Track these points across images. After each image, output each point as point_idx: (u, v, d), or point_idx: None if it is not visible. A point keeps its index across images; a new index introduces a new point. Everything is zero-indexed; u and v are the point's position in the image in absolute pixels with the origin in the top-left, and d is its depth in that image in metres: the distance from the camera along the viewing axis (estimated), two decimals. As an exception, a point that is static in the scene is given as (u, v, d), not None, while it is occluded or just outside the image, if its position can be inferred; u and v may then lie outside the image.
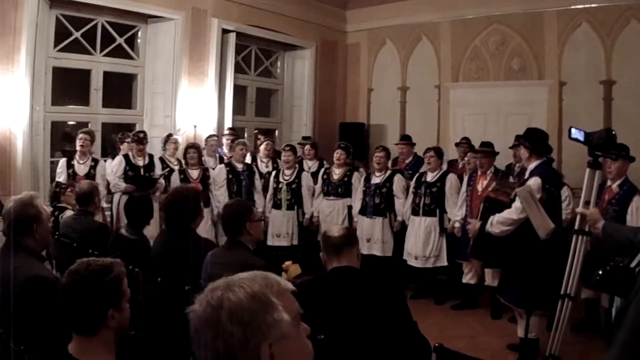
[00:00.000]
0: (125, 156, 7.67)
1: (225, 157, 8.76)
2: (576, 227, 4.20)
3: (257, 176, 8.31)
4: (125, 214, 5.06)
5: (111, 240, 4.88)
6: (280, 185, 8.22)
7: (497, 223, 5.06)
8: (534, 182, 4.97)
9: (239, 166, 8.11)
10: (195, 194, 4.65)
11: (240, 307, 1.39)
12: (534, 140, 5.23)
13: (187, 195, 4.50)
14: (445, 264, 7.44)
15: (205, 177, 7.92)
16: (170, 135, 8.37)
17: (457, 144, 8.97)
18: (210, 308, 1.40)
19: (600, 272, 3.06)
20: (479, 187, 7.07)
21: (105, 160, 7.82)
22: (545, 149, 5.35)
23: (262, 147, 8.96)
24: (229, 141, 8.81)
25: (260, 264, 3.62)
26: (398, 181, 7.78)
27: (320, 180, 8.39)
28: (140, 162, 7.69)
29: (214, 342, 1.38)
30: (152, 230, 5.09)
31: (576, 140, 4.04)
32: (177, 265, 4.08)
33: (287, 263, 3.99)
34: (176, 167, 8.03)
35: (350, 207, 8.16)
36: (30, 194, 3.50)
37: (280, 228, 8.19)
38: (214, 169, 8.20)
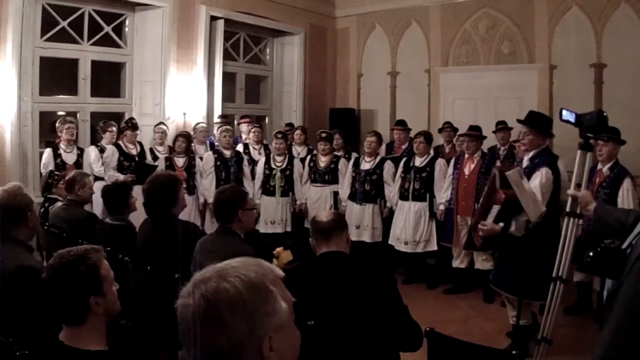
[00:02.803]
0: (117, 145, 7.62)
1: (216, 145, 8.69)
2: (567, 209, 4.18)
3: (245, 163, 8.26)
4: (104, 202, 5.04)
5: (97, 229, 4.86)
6: (273, 172, 8.16)
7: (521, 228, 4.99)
8: (546, 174, 4.90)
9: (227, 153, 8.07)
10: (175, 181, 4.62)
11: (240, 299, 1.33)
12: (540, 124, 5.17)
13: (166, 182, 4.47)
14: (435, 248, 7.45)
15: (190, 166, 7.87)
16: (159, 123, 8.30)
17: (440, 130, 8.96)
18: (206, 301, 1.32)
19: (592, 254, 3.05)
20: (466, 171, 7.08)
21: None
22: (549, 134, 5.31)
23: (251, 135, 8.89)
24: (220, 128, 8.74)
25: (250, 252, 3.60)
26: (388, 168, 7.77)
27: (307, 167, 8.34)
28: (133, 150, 7.69)
29: (215, 338, 1.31)
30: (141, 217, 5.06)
31: (567, 122, 4.02)
32: (164, 252, 4.06)
33: (278, 249, 3.96)
34: (164, 156, 7.98)
35: (336, 193, 8.14)
36: (17, 184, 3.48)
37: (274, 215, 8.12)
38: (201, 158, 8.14)
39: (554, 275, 4.21)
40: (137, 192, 4.91)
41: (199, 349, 1.32)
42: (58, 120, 7.55)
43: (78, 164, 7.27)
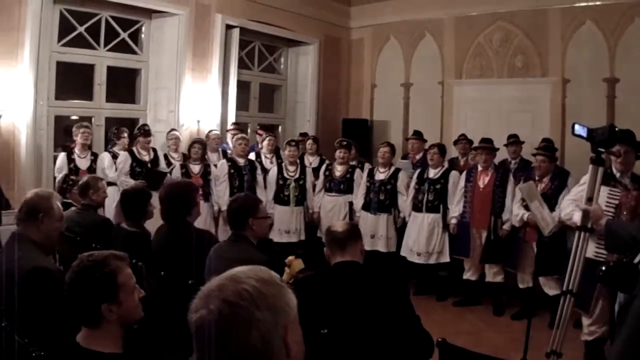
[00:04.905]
0: (130, 152, 7.66)
1: (229, 152, 8.71)
2: (579, 223, 4.19)
3: (259, 171, 8.23)
4: (122, 207, 5.05)
5: (112, 234, 4.88)
6: (287, 182, 8.14)
7: None
8: None
9: (241, 161, 8.05)
10: (192, 187, 4.65)
11: (262, 294, 1.38)
12: None
13: (183, 188, 4.51)
14: (448, 260, 7.42)
15: (206, 173, 7.88)
16: (171, 130, 8.34)
17: (455, 142, 8.97)
18: (228, 304, 1.36)
19: (604, 268, 3.07)
20: (481, 184, 7.09)
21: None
22: None
23: (265, 143, 8.89)
24: (234, 136, 8.76)
25: (263, 259, 3.61)
26: (402, 178, 7.76)
27: (322, 177, 8.33)
28: (146, 157, 7.70)
29: (247, 336, 1.34)
30: (156, 224, 5.08)
31: (579, 136, 4.03)
32: (179, 258, 4.08)
33: (290, 258, 3.97)
34: (178, 162, 7.96)
35: (351, 204, 8.12)
36: (51, 191, 3.54)
37: (289, 224, 8.11)
38: (215, 165, 8.13)
39: (564, 289, 4.21)
40: (155, 199, 4.94)
41: (229, 354, 1.35)
42: (79, 125, 7.59)
43: (91, 169, 7.28)
